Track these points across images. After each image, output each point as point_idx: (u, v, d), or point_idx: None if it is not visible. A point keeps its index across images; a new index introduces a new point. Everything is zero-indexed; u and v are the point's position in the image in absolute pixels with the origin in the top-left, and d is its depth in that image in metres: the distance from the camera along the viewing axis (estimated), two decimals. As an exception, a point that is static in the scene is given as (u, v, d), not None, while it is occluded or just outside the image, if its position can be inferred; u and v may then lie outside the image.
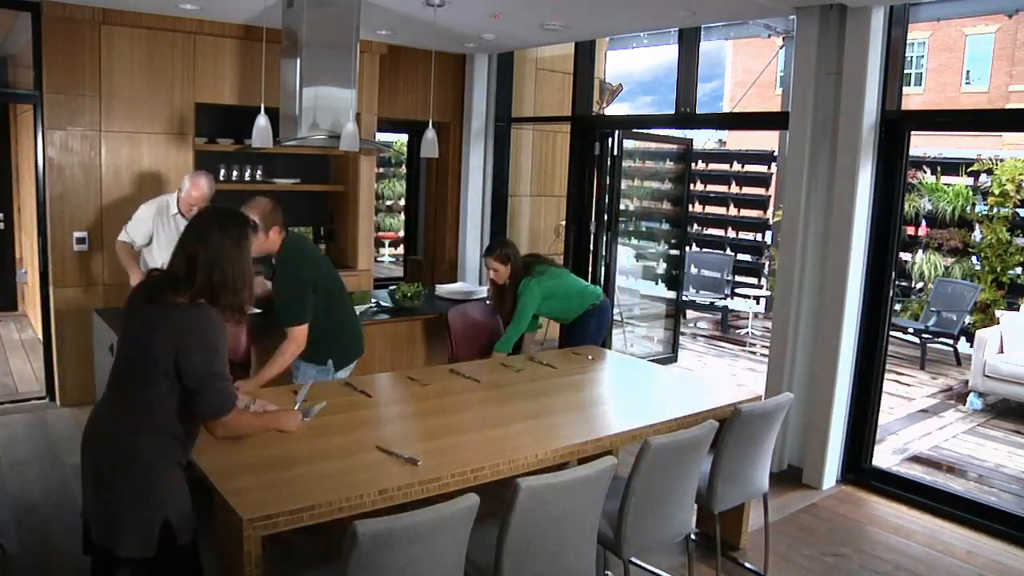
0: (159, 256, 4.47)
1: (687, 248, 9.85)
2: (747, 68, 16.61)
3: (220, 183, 5.61)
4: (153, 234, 4.47)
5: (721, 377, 7.10)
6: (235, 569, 2.11)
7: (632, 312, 7.84)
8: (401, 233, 11.09)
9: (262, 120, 4.26)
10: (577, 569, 2.52)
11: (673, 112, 5.54)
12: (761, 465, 3.24)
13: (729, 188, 12.42)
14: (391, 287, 4.88)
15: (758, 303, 9.53)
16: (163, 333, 2.12)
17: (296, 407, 2.81)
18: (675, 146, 7.48)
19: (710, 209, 12.34)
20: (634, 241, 8.05)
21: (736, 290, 9.93)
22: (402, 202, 11.55)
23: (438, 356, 4.73)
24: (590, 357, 4.00)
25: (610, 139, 6.12)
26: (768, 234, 11.28)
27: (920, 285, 9.44)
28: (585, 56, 6.29)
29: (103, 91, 5.07)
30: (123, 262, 4.53)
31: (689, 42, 5.47)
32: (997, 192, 8.66)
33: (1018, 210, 8.61)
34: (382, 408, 3.07)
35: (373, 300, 4.63)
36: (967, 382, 6.76)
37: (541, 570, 2.41)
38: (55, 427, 4.84)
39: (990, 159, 9.21)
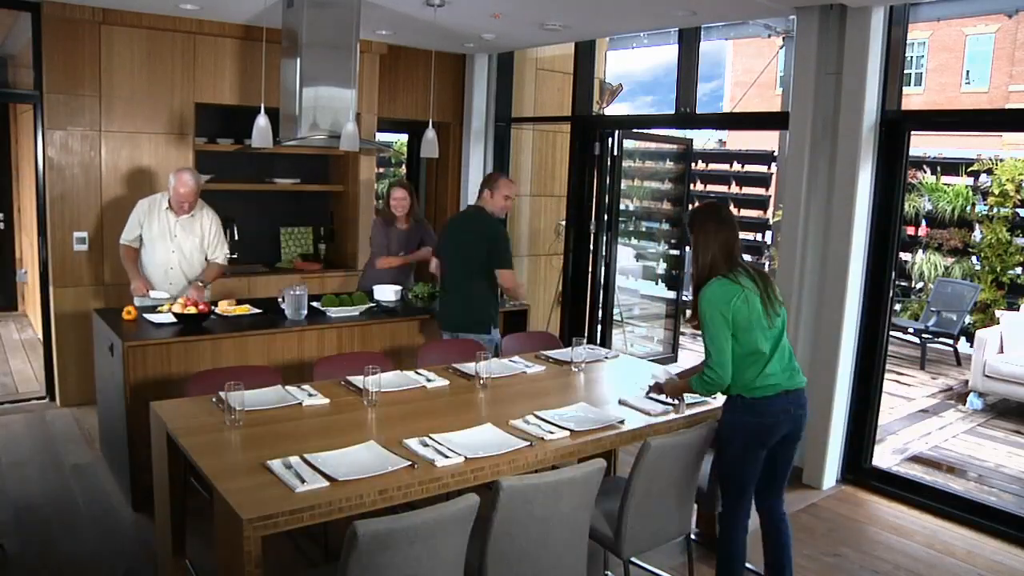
0: (150, 249, 4.49)
1: (687, 248, 9.84)
2: (747, 68, 16.61)
3: (220, 183, 5.63)
4: (144, 230, 4.48)
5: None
6: (235, 569, 2.11)
7: (632, 312, 7.85)
8: (401, 233, 11.07)
9: (262, 120, 4.27)
10: (566, 570, 2.52)
11: (673, 112, 5.54)
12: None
13: (729, 188, 12.44)
14: (404, 287, 4.86)
15: (758, 303, 9.51)
16: None
17: None
18: (675, 146, 7.49)
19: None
20: (634, 241, 8.06)
21: (736, 290, 9.91)
22: (402, 202, 11.54)
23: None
24: (609, 357, 3.99)
25: (610, 139, 6.12)
26: (768, 234, 11.28)
27: (920, 285, 9.45)
28: (585, 56, 6.29)
29: (103, 91, 5.07)
30: (124, 265, 4.55)
31: (689, 42, 5.47)
32: (997, 192, 8.67)
33: (1018, 210, 8.62)
34: (381, 407, 3.07)
35: (373, 300, 4.63)
36: (967, 382, 6.76)
37: (528, 570, 2.41)
38: (55, 427, 4.84)
39: (990, 159, 9.22)
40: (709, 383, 2.79)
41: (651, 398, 3.23)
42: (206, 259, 4.60)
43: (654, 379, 3.22)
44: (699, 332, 2.90)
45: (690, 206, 7.33)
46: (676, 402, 3.15)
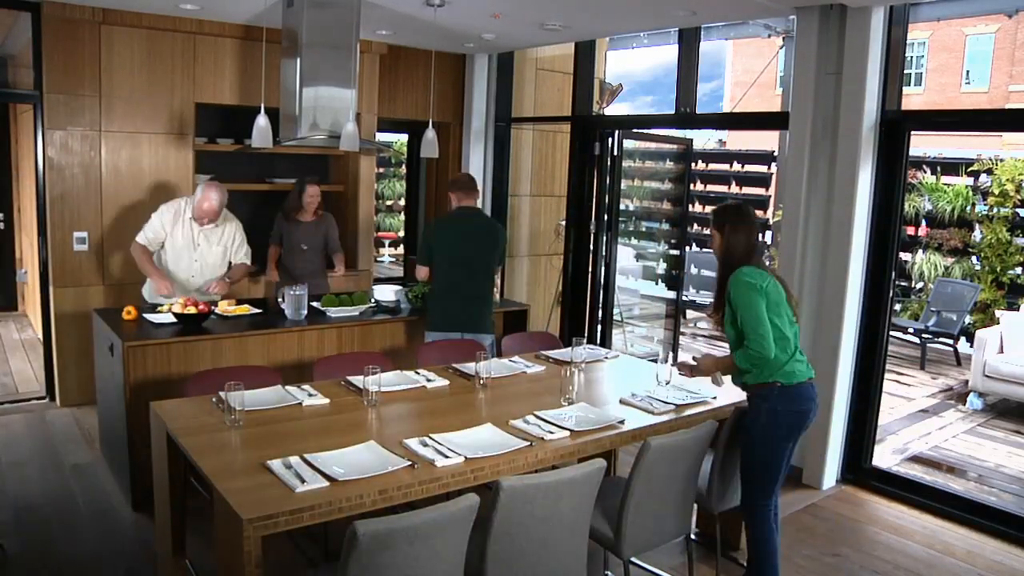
0: (173, 258, 4.46)
1: (687, 248, 9.85)
2: (747, 68, 16.61)
3: (220, 183, 5.62)
4: (167, 237, 4.43)
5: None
6: (235, 569, 2.11)
7: (632, 312, 7.84)
8: (401, 233, 11.09)
9: (262, 120, 4.26)
10: (566, 570, 2.52)
11: (673, 112, 5.54)
12: (761, 465, 3.24)
13: (729, 188, 12.45)
14: (405, 287, 4.86)
15: (758, 303, 9.50)
16: None
17: None
18: (675, 146, 7.48)
19: (710, 209, 12.34)
20: (634, 241, 8.06)
21: (736, 290, 9.91)
22: (402, 202, 11.56)
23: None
24: (607, 356, 4.00)
25: (610, 139, 6.11)
26: (768, 234, 11.29)
27: (920, 285, 9.45)
28: (585, 56, 6.29)
29: (103, 91, 5.07)
30: (140, 265, 4.45)
31: (689, 42, 5.47)
32: (997, 192, 8.67)
33: (1018, 210, 8.62)
34: (381, 407, 3.07)
35: (373, 300, 4.63)
36: (967, 382, 6.76)
37: (528, 570, 2.41)
38: (55, 427, 4.84)
39: (990, 159, 9.21)
40: (754, 355, 2.86)
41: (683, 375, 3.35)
42: (230, 264, 4.61)
43: (682, 364, 3.30)
44: (720, 330, 3.07)
45: (689, 209, 7.29)
46: (716, 380, 3.23)
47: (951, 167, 9.73)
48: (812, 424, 3.02)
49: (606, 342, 6.30)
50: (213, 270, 4.54)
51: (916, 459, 5.23)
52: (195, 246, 4.47)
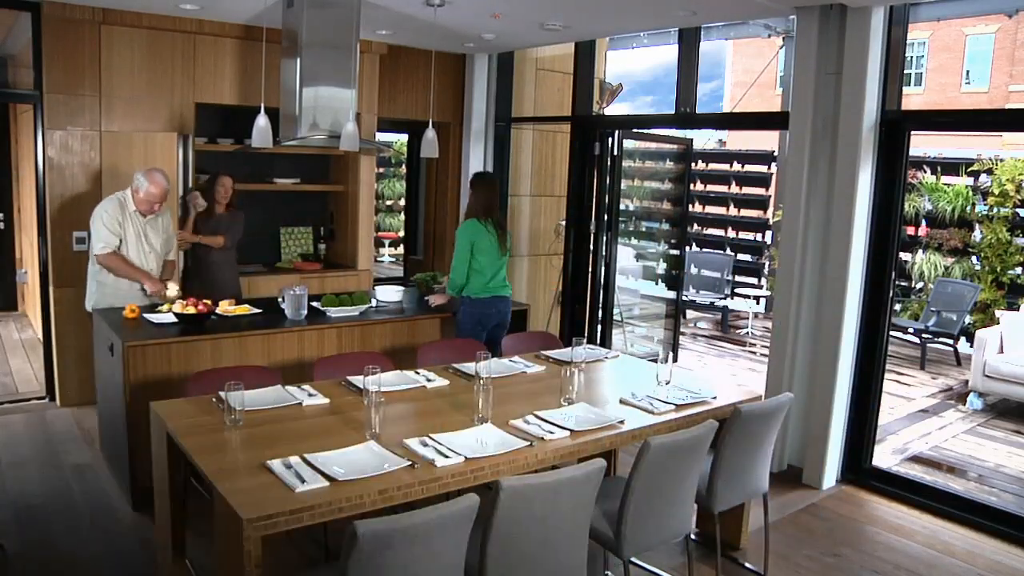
0: (127, 254, 4.41)
1: (687, 248, 9.86)
2: (747, 68, 16.60)
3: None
4: (122, 234, 4.40)
5: (722, 377, 7.10)
6: (235, 569, 2.11)
7: (632, 312, 7.84)
8: (401, 233, 11.09)
9: (262, 120, 4.26)
10: (566, 570, 2.52)
11: (673, 112, 5.54)
12: (761, 465, 3.25)
13: (729, 188, 12.43)
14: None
15: (758, 303, 9.53)
16: None
17: None
18: (675, 146, 7.48)
19: (710, 209, 12.35)
20: (634, 241, 8.06)
21: (736, 290, 9.94)
22: (402, 202, 11.56)
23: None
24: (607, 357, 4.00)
25: (610, 139, 6.11)
26: (768, 234, 11.28)
27: (920, 285, 9.44)
28: (585, 56, 6.29)
29: (103, 91, 5.07)
30: (124, 272, 4.38)
31: (689, 42, 5.47)
32: (997, 192, 8.66)
33: (1018, 210, 8.61)
34: (381, 407, 3.06)
35: (375, 300, 4.64)
36: (967, 382, 6.76)
37: (528, 571, 2.41)
38: (55, 427, 4.84)
39: (990, 159, 9.21)
40: (450, 283, 4.49)
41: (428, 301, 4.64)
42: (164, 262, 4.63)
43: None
44: None
45: (689, 209, 7.28)
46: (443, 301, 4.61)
47: (951, 167, 9.71)
48: (498, 323, 4.51)
49: (606, 342, 6.30)
50: (162, 258, 4.58)
51: (916, 459, 5.23)
52: (144, 237, 4.47)
